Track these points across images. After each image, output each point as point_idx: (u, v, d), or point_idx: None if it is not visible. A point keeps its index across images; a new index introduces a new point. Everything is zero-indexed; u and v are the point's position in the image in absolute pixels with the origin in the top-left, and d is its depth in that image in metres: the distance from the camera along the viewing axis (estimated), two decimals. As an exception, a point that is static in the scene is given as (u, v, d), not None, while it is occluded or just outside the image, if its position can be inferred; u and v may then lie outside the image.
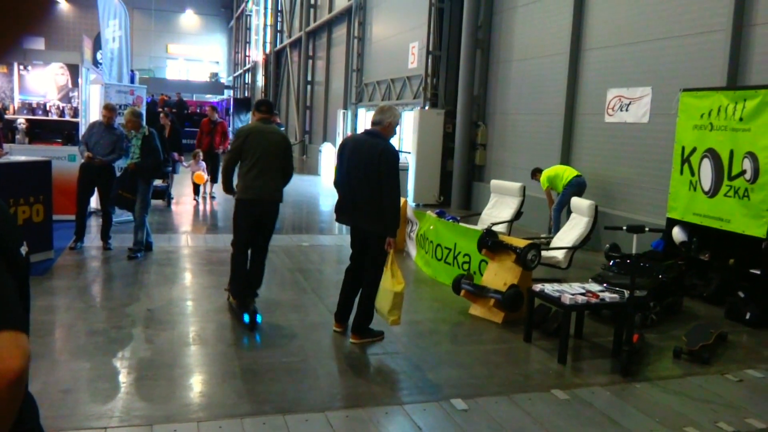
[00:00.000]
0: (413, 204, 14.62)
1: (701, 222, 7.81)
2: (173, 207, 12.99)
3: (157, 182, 12.32)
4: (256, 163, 6.05)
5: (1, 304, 1.35)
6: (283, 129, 22.06)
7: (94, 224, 10.02)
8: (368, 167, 5.39)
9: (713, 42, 8.78)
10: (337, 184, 5.80)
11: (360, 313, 5.66)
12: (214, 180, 14.28)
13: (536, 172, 11.16)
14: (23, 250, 1.55)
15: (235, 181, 6.28)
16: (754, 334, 6.59)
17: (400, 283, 5.41)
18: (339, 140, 22.90)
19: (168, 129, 13.16)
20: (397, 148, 5.69)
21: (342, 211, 5.75)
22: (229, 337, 5.68)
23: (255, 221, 6.23)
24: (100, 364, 4.89)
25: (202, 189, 14.21)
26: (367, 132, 5.72)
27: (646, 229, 5.60)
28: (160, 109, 25.14)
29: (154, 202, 12.35)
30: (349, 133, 22.80)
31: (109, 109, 8.71)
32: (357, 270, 5.80)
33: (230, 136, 14.44)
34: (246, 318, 5.91)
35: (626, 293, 5.54)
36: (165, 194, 12.96)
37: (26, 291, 1.58)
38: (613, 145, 10.67)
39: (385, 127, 5.59)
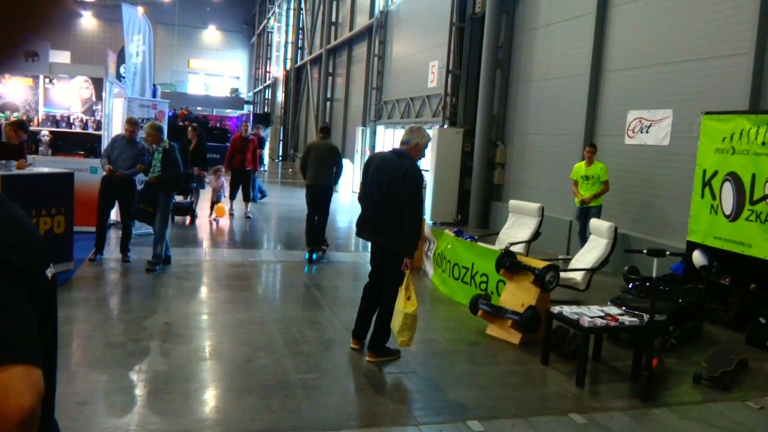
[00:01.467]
0: (430, 222, 14.62)
1: (722, 246, 7.73)
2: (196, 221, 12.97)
3: (179, 198, 12.40)
4: (312, 162, 9.97)
5: (15, 335, 1.26)
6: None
7: (113, 236, 10.10)
8: (391, 186, 5.45)
9: (736, 65, 8.73)
10: (361, 199, 5.88)
11: (376, 332, 5.69)
12: (247, 199, 14.01)
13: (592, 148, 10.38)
14: (49, 272, 1.47)
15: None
16: (775, 361, 6.50)
17: (413, 304, 5.43)
18: (357, 157, 23.01)
19: (194, 143, 13.08)
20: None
21: (363, 227, 5.83)
22: (245, 352, 5.68)
23: (314, 198, 10.10)
24: (117, 377, 4.91)
25: (228, 206, 13.93)
26: (394, 151, 5.77)
27: (667, 252, 5.55)
28: (181, 123, 25.39)
29: (178, 218, 12.45)
30: (367, 150, 22.90)
31: (132, 123, 8.81)
32: (375, 287, 5.83)
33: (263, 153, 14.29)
34: (306, 255, 9.79)
35: (646, 317, 5.48)
36: (190, 210, 12.78)
37: (52, 315, 1.51)
38: (633, 167, 10.61)
39: (412, 147, 5.65)
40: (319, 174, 9.90)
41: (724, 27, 8.97)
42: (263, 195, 17.31)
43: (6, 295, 1.28)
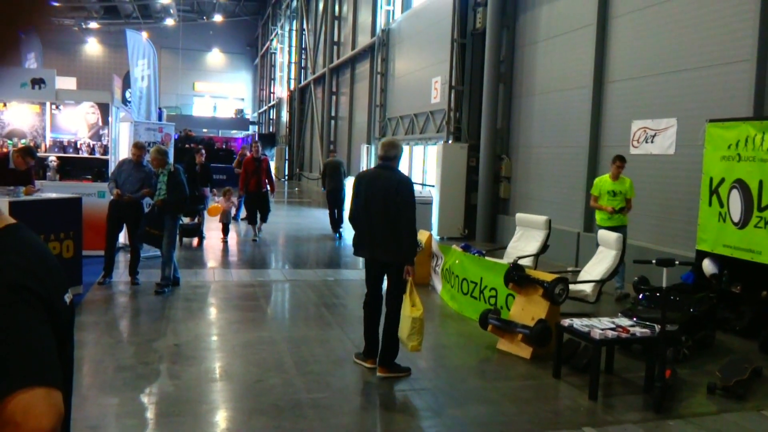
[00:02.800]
0: (438, 237, 14.60)
1: (731, 254, 7.69)
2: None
3: (186, 219, 12.42)
4: (328, 174, 15.09)
5: (36, 358, 1.29)
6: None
7: (122, 260, 10.13)
8: (387, 198, 5.68)
9: (739, 72, 8.73)
10: (354, 218, 6.00)
11: (385, 346, 5.73)
12: (264, 221, 13.86)
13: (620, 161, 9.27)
14: (67, 297, 1.50)
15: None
16: (790, 369, 6.43)
17: (418, 309, 5.57)
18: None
19: (200, 165, 13.06)
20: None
21: (361, 244, 5.96)
22: (255, 372, 5.66)
23: (332, 199, 14.99)
24: (128, 400, 4.90)
25: (252, 233, 13.70)
26: (380, 166, 5.97)
27: (677, 262, 5.53)
28: (188, 145, 25.51)
29: (186, 240, 12.45)
30: (372, 167, 22.89)
31: (138, 147, 8.87)
32: (375, 302, 5.96)
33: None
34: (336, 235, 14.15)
35: (657, 327, 5.45)
36: (198, 231, 12.75)
37: (69, 339, 1.53)
38: (638, 177, 10.56)
39: (393, 159, 5.92)
40: (333, 182, 15.03)
41: (725, 34, 8.99)
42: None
43: (27, 319, 1.31)
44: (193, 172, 12.51)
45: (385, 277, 6.00)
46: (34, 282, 1.35)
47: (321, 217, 19.65)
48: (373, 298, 5.96)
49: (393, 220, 5.65)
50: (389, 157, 5.89)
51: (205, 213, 13.16)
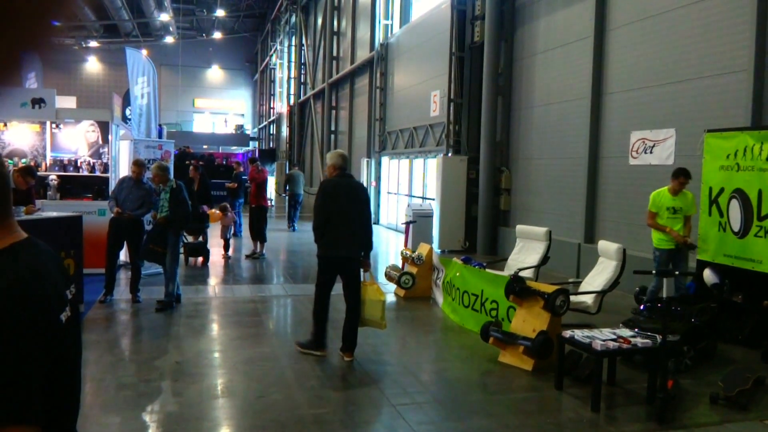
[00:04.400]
0: (438, 251, 14.60)
1: (732, 263, 7.69)
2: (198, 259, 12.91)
3: (190, 238, 12.38)
4: (290, 183, 17.88)
5: (16, 393, 1.25)
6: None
7: (123, 277, 10.13)
8: (360, 201, 6.65)
9: (736, 82, 8.77)
10: (329, 221, 6.48)
11: (355, 336, 6.58)
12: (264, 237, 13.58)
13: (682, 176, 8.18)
14: (63, 316, 1.48)
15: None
16: (793, 378, 6.41)
17: (383, 292, 6.70)
18: (363, 188, 23.03)
19: (197, 182, 13.09)
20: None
21: (339, 245, 6.50)
22: (258, 389, 5.65)
23: (293, 201, 17.06)
24: (130, 419, 4.89)
25: (259, 248, 13.45)
26: (344, 175, 6.74)
27: (677, 272, 5.53)
28: (187, 162, 25.52)
29: (191, 258, 12.37)
30: (373, 182, 22.99)
31: (138, 165, 8.90)
32: (328, 293, 6.71)
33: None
34: None
35: (659, 338, 5.44)
36: (203, 250, 12.43)
37: (68, 358, 1.51)
38: (638, 187, 10.60)
39: (348, 168, 6.88)
40: (295, 188, 18.84)
41: (722, 45, 9.04)
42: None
43: (13, 348, 1.29)
44: (190, 189, 12.48)
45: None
46: (23, 308, 1.34)
47: (322, 231, 19.66)
48: (327, 295, 6.67)
49: (364, 220, 6.64)
50: (345, 166, 6.76)
51: (208, 231, 13.05)
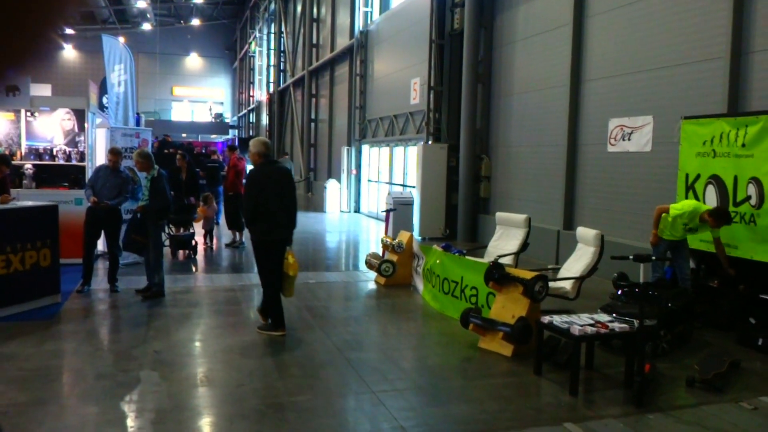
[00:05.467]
0: (419, 238, 14.63)
1: (709, 249, 7.78)
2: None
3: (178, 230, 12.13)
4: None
5: None
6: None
7: (101, 267, 10.04)
8: (288, 186, 7.05)
9: (713, 69, 8.84)
10: (263, 206, 6.79)
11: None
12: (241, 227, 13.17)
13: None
14: None
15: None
16: (767, 360, 6.52)
17: (296, 269, 7.13)
18: (344, 177, 23.05)
19: (184, 171, 12.52)
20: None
21: (277, 227, 6.88)
22: (237, 377, 5.64)
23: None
24: (108, 409, 4.85)
25: (239, 237, 13.25)
26: (269, 161, 7.11)
27: (653, 258, 5.58)
28: (166, 151, 25.24)
29: (179, 252, 12.11)
30: (353, 170, 22.96)
31: (115, 153, 8.79)
32: (277, 275, 7.03)
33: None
34: None
35: (636, 323, 5.49)
36: (191, 243, 12.02)
37: None
38: (616, 174, 10.68)
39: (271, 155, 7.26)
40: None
41: (699, 32, 9.10)
42: None
43: None
44: (178, 180, 12.24)
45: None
46: None
47: (302, 220, 19.60)
48: (278, 277, 7.00)
49: (290, 202, 7.02)
50: (269, 153, 7.12)
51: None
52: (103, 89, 14.42)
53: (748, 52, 8.40)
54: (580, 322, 5.61)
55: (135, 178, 9.17)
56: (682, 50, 9.37)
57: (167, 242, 11.71)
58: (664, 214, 7.69)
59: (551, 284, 7.16)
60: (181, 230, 12.20)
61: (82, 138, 11.18)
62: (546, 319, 5.82)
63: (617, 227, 10.47)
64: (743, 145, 7.30)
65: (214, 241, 13.34)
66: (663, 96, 9.69)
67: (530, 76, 13.15)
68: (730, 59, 8.49)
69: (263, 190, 6.83)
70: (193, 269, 11.01)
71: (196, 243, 12.21)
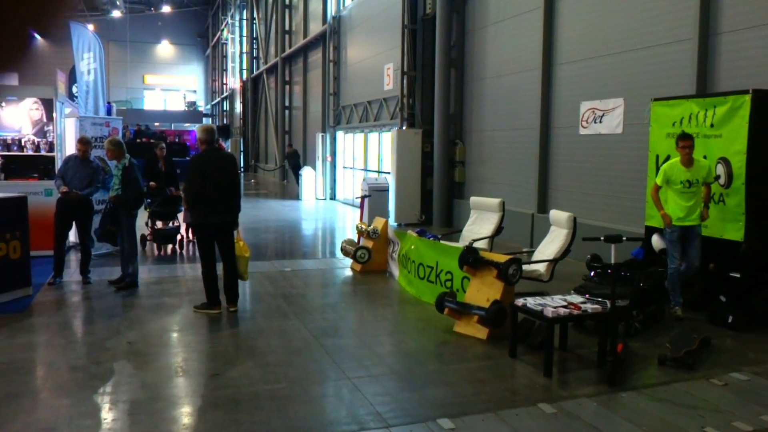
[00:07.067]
0: (395, 224, 14.64)
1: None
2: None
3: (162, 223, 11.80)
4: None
5: None
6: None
7: (73, 259, 9.92)
8: (231, 173, 7.33)
9: (681, 51, 8.92)
10: (202, 192, 7.08)
11: (235, 288, 7.48)
12: None
13: None
14: None
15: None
16: (737, 337, 6.64)
17: (247, 250, 7.65)
18: (319, 164, 22.96)
19: (162, 161, 11.98)
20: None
21: (212, 213, 7.14)
22: (212, 367, 5.62)
23: None
24: (82, 401, 4.81)
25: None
26: (212, 149, 7.32)
27: (624, 238, 5.64)
28: (139, 140, 24.92)
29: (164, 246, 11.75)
30: (328, 156, 22.88)
31: (84, 143, 8.66)
32: (213, 257, 7.36)
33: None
34: None
35: (608, 303, 5.56)
36: (175, 237, 11.49)
37: None
38: (588, 156, 10.76)
39: (218, 141, 7.53)
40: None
41: (667, 15, 9.17)
42: None
43: None
44: (156, 169, 11.79)
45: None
46: None
47: (278, 208, 19.56)
48: (212, 257, 7.32)
49: (234, 187, 7.37)
50: (213, 140, 7.33)
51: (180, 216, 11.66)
52: (72, 78, 14.17)
53: (716, 34, 8.49)
54: (553, 304, 5.66)
55: (106, 167, 9.04)
56: (651, 33, 9.43)
57: (150, 237, 11.53)
58: (661, 189, 7.37)
59: (525, 267, 7.21)
60: (163, 224, 11.78)
61: (50, 128, 10.99)
62: (520, 301, 5.85)
63: (590, 209, 10.56)
64: (712, 126, 7.39)
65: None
66: (633, 78, 9.76)
67: (503, 60, 13.16)
68: (698, 41, 8.57)
69: (203, 176, 7.11)
70: (167, 259, 10.90)
71: (182, 237, 11.72)
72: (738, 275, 7.12)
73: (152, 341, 6.34)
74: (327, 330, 6.77)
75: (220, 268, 7.44)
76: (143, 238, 11.36)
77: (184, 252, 11.51)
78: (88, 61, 12.33)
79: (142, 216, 9.93)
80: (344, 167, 22.31)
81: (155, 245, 11.52)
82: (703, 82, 8.59)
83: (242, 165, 39.46)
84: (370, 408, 4.74)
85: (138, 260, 8.70)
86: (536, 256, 8.03)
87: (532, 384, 5.30)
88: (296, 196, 22.76)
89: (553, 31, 11.58)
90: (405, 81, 15.92)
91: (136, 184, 8.41)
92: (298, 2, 28.29)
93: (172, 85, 55.41)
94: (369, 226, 10.04)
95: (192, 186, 7.18)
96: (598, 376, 5.42)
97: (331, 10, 23.30)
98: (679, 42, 8.94)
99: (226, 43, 47.18)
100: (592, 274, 7.39)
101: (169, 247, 11.71)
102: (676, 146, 7.20)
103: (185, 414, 4.65)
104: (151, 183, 11.44)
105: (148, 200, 11.32)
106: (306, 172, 22.63)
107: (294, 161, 26.46)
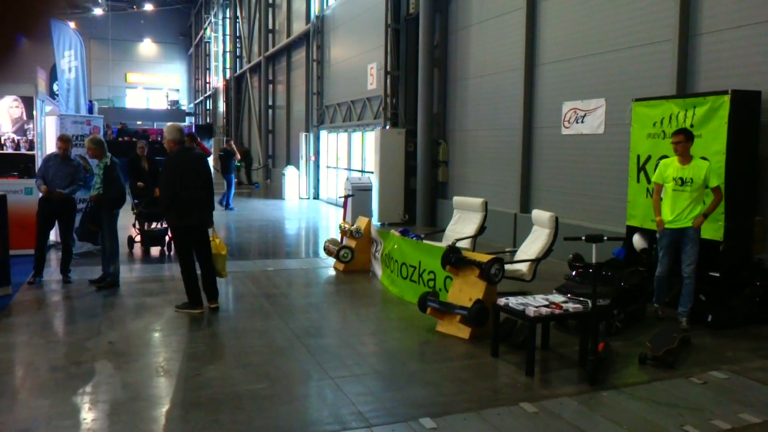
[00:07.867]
0: (378, 223, 14.65)
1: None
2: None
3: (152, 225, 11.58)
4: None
5: None
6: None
7: (53, 258, 9.83)
8: (203, 172, 7.32)
9: (662, 52, 8.99)
10: (178, 192, 7.06)
11: (214, 283, 7.47)
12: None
13: None
14: None
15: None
16: (716, 335, 6.71)
17: (224, 247, 7.71)
18: (302, 163, 22.90)
19: (145, 161, 11.74)
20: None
21: (188, 214, 7.13)
22: (193, 366, 5.58)
23: None
24: (61, 401, 4.76)
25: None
26: (183, 149, 7.33)
27: (605, 238, 5.67)
28: (121, 139, 24.71)
29: (154, 249, 11.56)
30: (312, 156, 22.83)
31: (64, 141, 8.57)
32: (192, 259, 7.37)
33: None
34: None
35: (589, 302, 5.59)
36: (164, 239, 11.31)
37: None
38: (571, 156, 10.82)
39: (188, 140, 7.13)
40: None
41: (648, 15, 9.24)
42: None
43: None
44: (140, 169, 11.63)
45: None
46: None
47: (261, 207, 19.49)
48: (190, 255, 7.32)
49: (206, 185, 7.28)
50: (183, 139, 7.36)
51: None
52: (53, 76, 14.04)
53: (696, 35, 8.57)
54: (535, 304, 5.68)
55: (87, 166, 8.96)
56: (632, 33, 9.50)
57: (138, 239, 11.40)
58: (664, 188, 7.01)
59: (508, 267, 7.23)
60: (154, 225, 11.56)
61: (31, 126, 10.89)
62: (502, 301, 5.88)
63: (572, 209, 10.63)
64: (692, 126, 7.45)
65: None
66: (615, 79, 9.83)
67: (485, 60, 13.20)
68: (678, 41, 8.64)
69: (177, 176, 7.12)
70: (153, 260, 10.82)
71: (170, 239, 11.19)
72: (717, 274, 7.19)
73: (133, 341, 6.30)
74: (310, 330, 6.76)
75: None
76: (130, 239, 11.26)
77: (172, 253, 11.40)
78: (69, 58, 12.22)
79: (127, 216, 9.82)
80: (327, 167, 22.27)
81: (142, 248, 11.41)
82: (683, 83, 8.67)
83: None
84: (352, 408, 4.74)
85: (119, 260, 8.63)
86: (518, 256, 8.07)
87: (514, 383, 5.32)
88: (280, 196, 22.68)
89: (536, 32, 11.63)
90: (388, 80, 15.92)
91: (118, 183, 8.34)
92: (281, 1, 28.19)
93: (155, 84, 55.04)
94: (352, 225, 10.04)
95: (168, 187, 7.19)
96: (579, 375, 5.45)
97: (315, 9, 23.23)
98: (660, 43, 9.02)
99: (209, 42, 46.96)
100: (574, 273, 7.43)
101: (157, 248, 11.59)
102: (673, 136, 6.92)
103: (166, 414, 4.62)
104: (139, 183, 11.38)
105: (135, 201, 11.25)
106: (289, 172, 22.56)
107: (247, 159, 28.08)
